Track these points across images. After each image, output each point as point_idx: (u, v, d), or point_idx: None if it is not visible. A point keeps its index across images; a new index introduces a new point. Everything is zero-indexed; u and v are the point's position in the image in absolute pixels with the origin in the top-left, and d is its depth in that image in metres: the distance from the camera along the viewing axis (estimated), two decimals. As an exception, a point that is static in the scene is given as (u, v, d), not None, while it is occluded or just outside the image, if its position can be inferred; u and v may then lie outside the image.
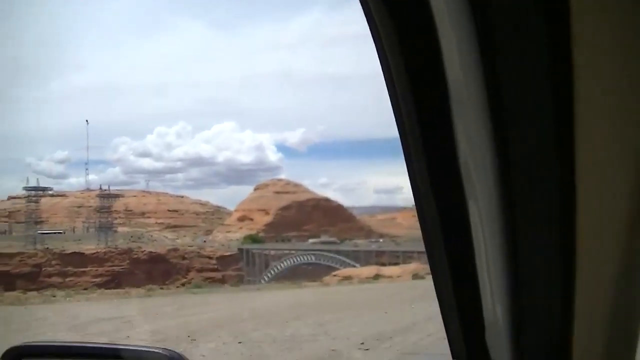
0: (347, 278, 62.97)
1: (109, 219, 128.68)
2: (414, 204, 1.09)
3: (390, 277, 57.45)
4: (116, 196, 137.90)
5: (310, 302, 27.27)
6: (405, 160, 1.10)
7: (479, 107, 0.93)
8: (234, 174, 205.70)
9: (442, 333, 1.38)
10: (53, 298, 34.92)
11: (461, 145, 1.02)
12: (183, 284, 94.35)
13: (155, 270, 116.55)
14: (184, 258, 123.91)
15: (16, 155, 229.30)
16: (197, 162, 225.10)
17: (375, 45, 1.01)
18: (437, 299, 1.24)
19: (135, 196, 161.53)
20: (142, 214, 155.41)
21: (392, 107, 1.04)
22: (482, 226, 1.07)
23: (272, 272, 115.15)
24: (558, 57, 0.86)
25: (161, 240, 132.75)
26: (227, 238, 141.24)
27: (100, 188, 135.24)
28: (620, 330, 1.08)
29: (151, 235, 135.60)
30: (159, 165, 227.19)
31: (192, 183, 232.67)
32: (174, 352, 1.92)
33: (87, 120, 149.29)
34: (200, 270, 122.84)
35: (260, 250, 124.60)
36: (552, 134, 0.92)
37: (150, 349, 1.99)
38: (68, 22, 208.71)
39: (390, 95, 1.03)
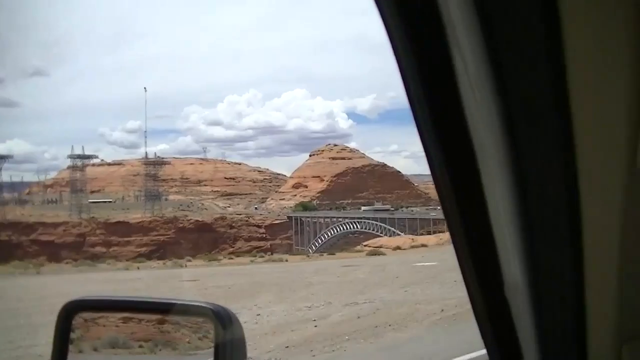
0: (377, 248, 58.98)
1: (156, 187, 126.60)
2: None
3: (420, 245, 53.55)
4: (162, 164, 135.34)
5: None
6: (419, 132, 1.14)
7: (486, 91, 1.01)
8: (305, 142, 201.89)
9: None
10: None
11: (471, 123, 1.08)
12: (230, 253, 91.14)
13: (202, 239, 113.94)
14: (231, 227, 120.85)
15: (89, 126, 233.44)
16: (268, 130, 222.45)
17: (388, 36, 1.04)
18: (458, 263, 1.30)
19: (192, 164, 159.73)
20: (199, 182, 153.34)
21: (405, 87, 1.08)
22: (495, 197, 1.13)
23: (320, 241, 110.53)
24: (554, 53, 0.93)
25: (211, 209, 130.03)
26: (281, 206, 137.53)
27: (146, 156, 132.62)
28: (633, 286, 1.13)
29: (202, 204, 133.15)
30: (230, 133, 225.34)
31: (264, 151, 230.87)
32: (220, 306, 2.07)
33: (145, 88, 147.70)
34: (248, 239, 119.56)
35: (310, 218, 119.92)
36: (550, 115, 1.01)
37: (198, 303, 2.14)
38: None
39: (401, 75, 1.07)
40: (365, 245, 71.46)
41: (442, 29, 1.00)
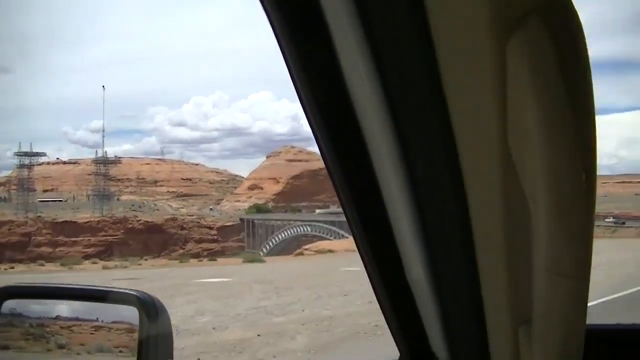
0: (319, 252, 58.56)
1: (108, 186, 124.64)
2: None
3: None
4: (113, 163, 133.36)
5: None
6: (319, 150, 1.17)
7: (377, 107, 1.04)
8: (270, 144, 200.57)
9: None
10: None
11: (367, 139, 1.12)
12: (181, 255, 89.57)
13: (151, 241, 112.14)
14: (182, 228, 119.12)
15: (53, 124, 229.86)
16: (233, 132, 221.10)
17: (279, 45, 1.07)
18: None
19: (149, 164, 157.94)
20: (155, 182, 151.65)
21: (296, 92, 1.11)
22: (393, 200, 1.17)
23: (271, 244, 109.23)
24: (427, 58, 0.96)
25: (164, 210, 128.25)
26: (235, 207, 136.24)
27: (96, 154, 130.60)
28: (519, 275, 1.19)
29: (155, 204, 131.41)
30: (195, 134, 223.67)
31: (228, 153, 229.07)
32: (147, 294, 2.05)
33: (103, 86, 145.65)
34: (199, 241, 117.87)
35: (263, 221, 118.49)
36: (432, 124, 1.04)
37: (124, 290, 2.14)
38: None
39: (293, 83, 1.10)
40: (306, 249, 70.92)
41: (327, 28, 1.01)
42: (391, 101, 1.04)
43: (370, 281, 1.35)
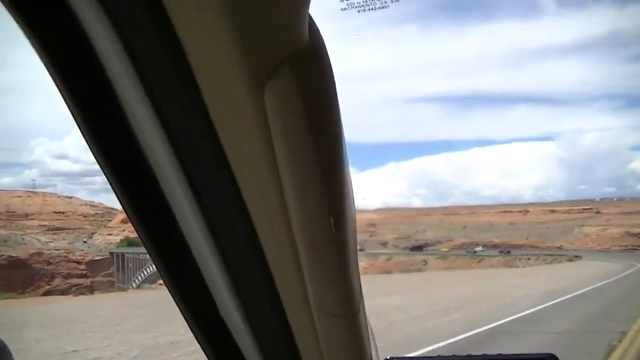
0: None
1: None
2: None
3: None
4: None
5: None
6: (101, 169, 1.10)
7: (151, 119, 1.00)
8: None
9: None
10: None
11: (154, 167, 1.08)
12: (48, 292, 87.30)
13: (15, 277, 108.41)
14: (49, 263, 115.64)
15: None
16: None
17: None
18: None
19: (19, 197, 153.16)
20: (25, 215, 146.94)
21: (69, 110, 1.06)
22: (188, 223, 1.15)
23: (140, 277, 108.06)
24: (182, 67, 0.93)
25: (31, 244, 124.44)
26: (107, 241, 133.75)
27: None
28: (313, 291, 1.19)
29: (23, 238, 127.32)
30: (76, 167, 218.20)
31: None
32: None
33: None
34: (66, 277, 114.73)
35: (132, 254, 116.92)
36: (203, 137, 1.01)
37: None
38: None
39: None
40: (160, 284, 70.86)
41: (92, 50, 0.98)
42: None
43: (186, 320, 1.31)
